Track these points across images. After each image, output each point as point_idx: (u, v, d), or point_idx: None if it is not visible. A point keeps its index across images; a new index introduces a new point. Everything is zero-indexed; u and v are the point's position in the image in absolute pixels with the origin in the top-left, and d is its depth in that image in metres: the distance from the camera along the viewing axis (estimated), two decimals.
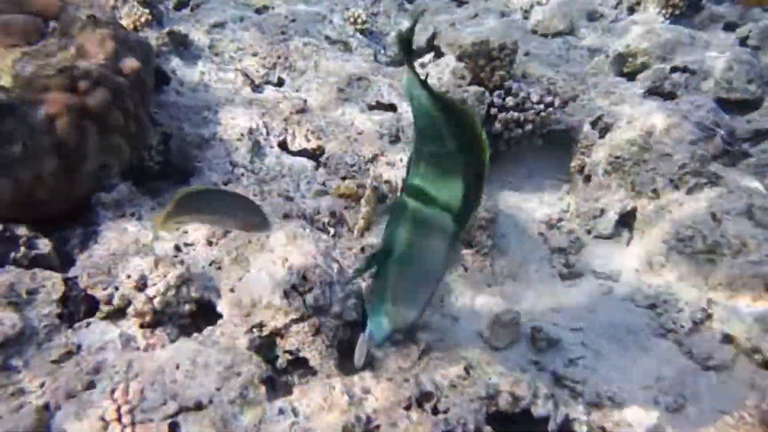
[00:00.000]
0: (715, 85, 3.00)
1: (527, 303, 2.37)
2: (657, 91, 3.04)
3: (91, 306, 1.76)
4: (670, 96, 3.02)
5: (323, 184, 2.46)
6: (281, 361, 1.72)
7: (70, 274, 1.82)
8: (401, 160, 2.57)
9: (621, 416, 1.50)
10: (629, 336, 2.24)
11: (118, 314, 1.74)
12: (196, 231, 2.06)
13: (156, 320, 1.74)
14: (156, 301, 1.74)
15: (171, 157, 2.39)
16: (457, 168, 1.45)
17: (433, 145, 1.46)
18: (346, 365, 1.79)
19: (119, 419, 1.44)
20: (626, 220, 2.64)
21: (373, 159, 2.55)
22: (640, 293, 2.36)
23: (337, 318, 1.79)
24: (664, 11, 3.66)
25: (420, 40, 3.65)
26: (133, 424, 1.43)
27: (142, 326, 1.73)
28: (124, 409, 1.46)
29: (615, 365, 2.13)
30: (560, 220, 2.75)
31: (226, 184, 2.34)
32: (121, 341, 1.67)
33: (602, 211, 2.68)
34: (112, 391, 1.51)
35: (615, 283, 2.47)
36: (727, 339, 2.12)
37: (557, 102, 2.87)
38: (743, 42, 3.46)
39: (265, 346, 1.73)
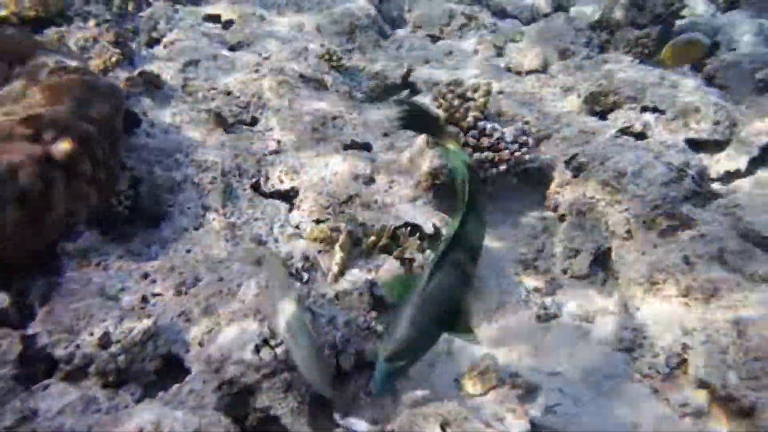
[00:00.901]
0: (684, 125, 3.04)
1: (504, 346, 2.34)
2: (628, 131, 3.08)
3: (51, 365, 1.69)
4: (641, 136, 3.06)
5: (297, 227, 2.42)
6: (251, 419, 1.66)
7: (30, 330, 1.75)
8: (376, 202, 2.54)
9: None
10: (606, 381, 2.22)
11: (78, 374, 1.67)
12: (166, 280, 2.01)
13: (120, 380, 1.68)
14: (120, 359, 1.67)
15: (141, 201, 2.33)
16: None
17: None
18: (318, 420, 1.74)
19: None
20: (601, 261, 2.64)
21: (348, 201, 2.52)
22: (616, 336, 2.35)
23: None
24: (633, 50, 3.73)
25: (394, 75, 3.66)
26: None
27: (104, 386, 1.66)
28: None
29: (593, 412, 2.11)
30: (536, 260, 2.74)
31: (197, 229, 2.29)
32: (81, 404, 1.60)
33: (577, 252, 2.68)
34: None
35: (591, 325, 2.45)
36: (703, 385, 2.11)
37: (531, 141, 2.89)
38: (710, 81, 3.53)
39: (236, 403, 1.67)
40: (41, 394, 1.62)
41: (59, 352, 1.66)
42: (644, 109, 3.10)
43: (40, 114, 1.87)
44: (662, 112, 3.06)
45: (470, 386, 2.16)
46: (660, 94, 3.12)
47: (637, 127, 3.03)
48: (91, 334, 1.68)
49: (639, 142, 2.91)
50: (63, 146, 1.83)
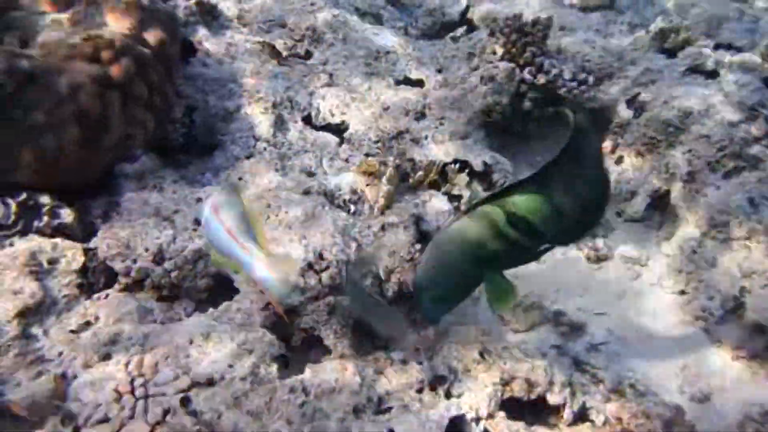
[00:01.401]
0: (763, 62, 2.83)
1: (552, 285, 2.32)
2: (699, 69, 2.90)
3: (110, 277, 1.78)
4: (712, 74, 2.87)
5: (346, 160, 2.42)
6: (296, 338, 1.71)
7: (91, 244, 1.84)
8: (426, 137, 2.51)
9: (639, 408, 1.45)
10: (656, 323, 2.17)
11: (136, 286, 1.76)
12: None
13: (173, 294, 1.76)
14: (174, 275, 1.74)
15: (195, 130, 2.39)
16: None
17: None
18: (360, 345, 1.77)
19: (132, 392, 1.45)
20: (659, 204, 2.54)
21: (398, 136, 2.50)
22: (670, 279, 2.28)
23: None
24: None
25: (452, 12, 3.55)
26: (146, 397, 1.45)
27: (159, 299, 1.74)
28: (138, 382, 1.47)
29: (640, 352, 2.08)
30: None
31: (248, 158, 2.33)
32: (138, 314, 1.69)
33: (633, 194, 2.58)
34: (127, 364, 1.52)
35: (643, 268, 2.39)
36: (760, 329, 2.03)
37: (591, 79, 2.76)
38: None
39: (281, 323, 1.72)
40: (103, 302, 1.71)
41: (118, 265, 1.75)
42: (718, 46, 2.90)
43: (99, 34, 1.91)
44: (738, 49, 2.85)
45: (514, 322, 2.15)
46: (737, 30, 2.91)
47: (709, 65, 2.85)
48: (146, 250, 1.76)
49: (709, 80, 2.74)
50: (121, 67, 1.88)
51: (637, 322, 2.17)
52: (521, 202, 1.59)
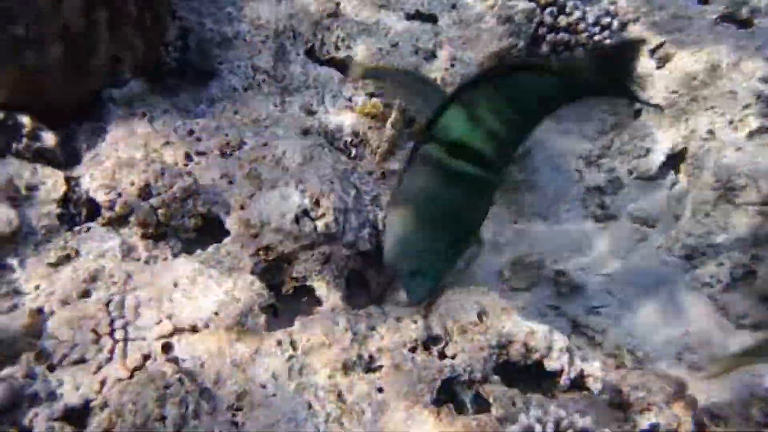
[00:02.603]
0: None
1: (554, 243, 2.23)
2: (732, 17, 2.70)
3: (93, 210, 1.68)
4: (746, 23, 2.68)
5: (349, 99, 2.28)
6: (287, 287, 1.64)
7: (74, 172, 1.74)
8: (435, 80, 2.36)
9: (640, 380, 1.40)
10: (660, 287, 2.10)
11: (120, 222, 1.66)
12: (211, 139, 1.95)
13: (159, 232, 1.67)
14: (160, 212, 1.65)
15: (190, 55, 2.23)
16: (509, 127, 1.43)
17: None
18: (353, 297, 1.71)
19: (112, 333, 1.39)
20: (673, 162, 2.42)
21: None
22: (678, 242, 2.19)
23: (349, 247, 1.69)
24: None
25: None
26: (125, 340, 1.38)
27: (144, 237, 1.65)
28: (118, 323, 1.41)
29: (640, 317, 2.02)
30: (601, 156, 2.54)
31: (246, 90, 2.19)
32: (121, 250, 1.60)
33: (648, 150, 2.46)
34: (107, 303, 1.45)
35: (651, 230, 2.30)
36: (767, 299, 1.97)
37: (616, 24, 2.58)
38: None
39: (271, 270, 1.65)
40: (84, 236, 1.63)
41: (101, 197, 1.65)
42: None
43: None
44: None
45: (513, 280, 2.08)
46: None
47: (743, 14, 2.66)
48: (132, 184, 1.65)
49: (742, 30, 2.56)
50: None
51: (640, 285, 2.10)
52: (450, 126, 1.41)
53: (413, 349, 1.48)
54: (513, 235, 2.22)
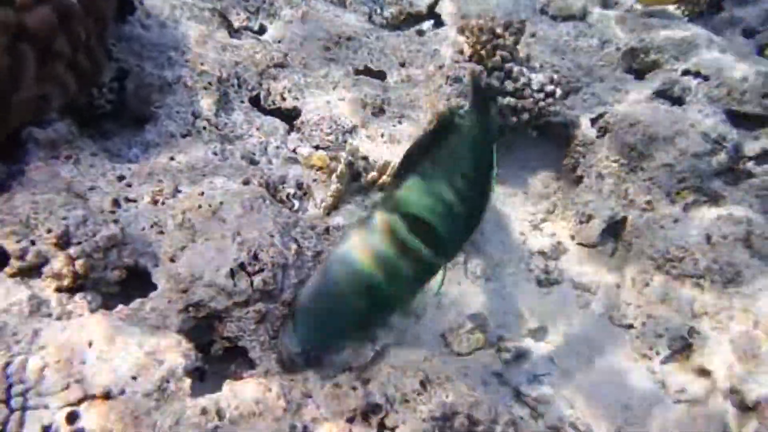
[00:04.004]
0: (728, 95, 2.79)
1: (498, 307, 2.19)
2: (666, 95, 2.83)
3: (1, 259, 1.52)
4: (678, 101, 2.82)
5: (294, 150, 2.22)
6: (216, 347, 1.51)
7: None
8: (382, 135, 2.34)
9: None
10: (602, 357, 2.08)
11: (31, 273, 1.50)
12: (143, 185, 1.83)
13: (77, 285, 1.51)
14: (78, 263, 1.50)
15: (126, 97, 2.12)
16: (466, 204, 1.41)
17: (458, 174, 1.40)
18: None
19: (7, 401, 1.22)
20: (614, 230, 2.45)
21: (353, 130, 2.32)
22: (619, 311, 2.19)
23: (286, 306, 1.58)
24: (683, 8, 3.44)
25: (420, 3, 3.37)
26: (23, 409, 1.21)
27: (58, 290, 1.49)
28: (16, 389, 1.24)
29: (582, 387, 1.98)
30: (544, 221, 2.56)
31: (184, 136, 2.09)
32: (29, 305, 1.44)
33: (590, 217, 2.49)
34: (6, 366, 1.28)
35: (593, 297, 2.29)
36: (704, 373, 1.97)
37: (559, 92, 2.65)
38: (762, 51, 3.26)
39: (201, 328, 1.52)
40: None
41: (11, 245, 1.49)
42: (686, 72, 2.84)
43: None
44: (705, 78, 2.80)
45: (456, 344, 2.01)
46: (706, 58, 2.86)
47: (676, 92, 2.79)
48: (49, 231, 1.51)
49: (675, 108, 2.67)
50: (39, 15, 1.61)
51: (582, 354, 2.07)
52: (414, 198, 1.37)
53: (351, 420, 1.37)
54: (458, 296, 2.16)
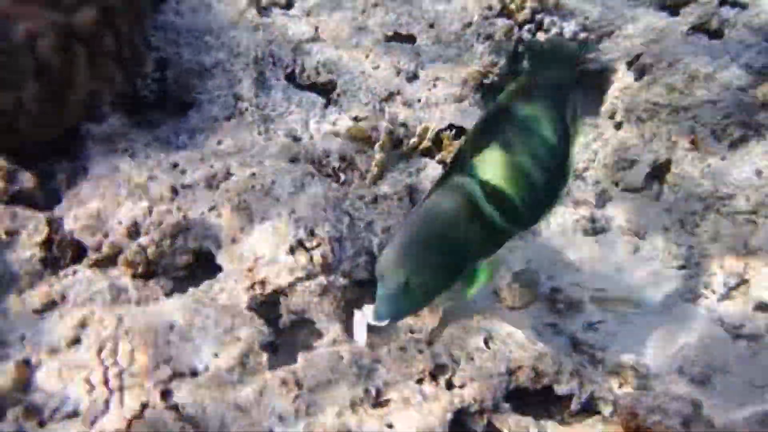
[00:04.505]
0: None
1: (547, 259, 2.22)
2: (703, 28, 2.75)
3: (78, 252, 1.62)
4: (716, 34, 2.73)
5: (334, 123, 2.26)
6: (284, 321, 1.59)
7: (56, 213, 1.67)
8: (419, 100, 2.35)
9: (655, 402, 1.38)
10: (655, 299, 2.10)
11: (107, 262, 1.60)
12: (196, 171, 1.89)
13: (149, 271, 1.60)
14: (149, 251, 1.59)
15: (168, 86, 2.19)
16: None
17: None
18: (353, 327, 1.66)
19: (106, 383, 1.32)
20: (658, 173, 2.44)
21: (389, 98, 2.34)
22: (670, 253, 2.20)
23: (345, 277, 1.65)
24: None
25: None
26: (121, 389, 1.32)
27: (134, 277, 1.59)
28: (113, 371, 1.34)
29: (638, 331, 2.01)
30: (586, 169, 2.55)
31: (228, 119, 2.14)
32: (110, 293, 1.54)
33: (633, 162, 2.47)
34: (100, 351, 1.39)
35: (642, 241, 2.30)
36: (762, 307, 1.98)
37: (592, 38, 2.61)
38: None
39: (268, 304, 1.60)
40: (69, 280, 1.56)
41: (87, 239, 1.59)
42: (723, 3, 2.75)
43: None
44: (743, 6, 2.70)
45: (509, 299, 2.06)
46: None
47: (714, 24, 2.70)
48: (120, 223, 1.60)
49: (714, 41, 2.60)
50: (86, 15, 1.66)
51: (635, 298, 2.09)
52: (495, 168, 1.38)
53: (420, 381, 1.44)
54: (505, 251, 2.20)
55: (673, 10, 2.91)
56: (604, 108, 2.67)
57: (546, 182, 1.44)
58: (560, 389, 1.45)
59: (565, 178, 1.50)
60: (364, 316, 1.54)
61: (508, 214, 1.40)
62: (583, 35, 2.60)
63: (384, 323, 1.35)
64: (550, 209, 1.52)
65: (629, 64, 2.66)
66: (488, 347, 1.49)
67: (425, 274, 1.34)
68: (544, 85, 1.47)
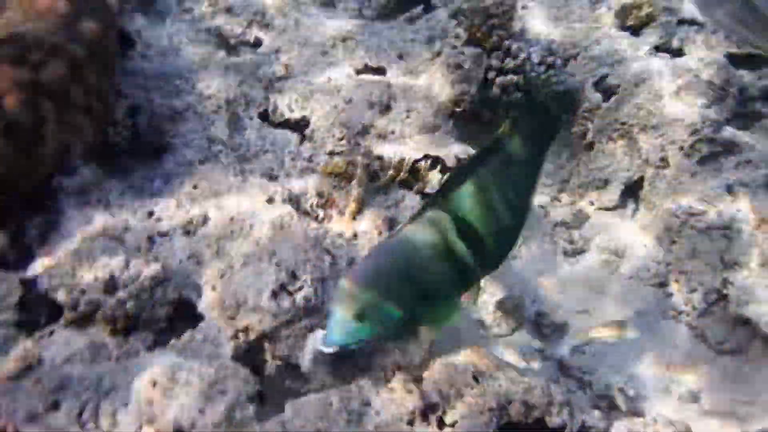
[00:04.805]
0: (725, 38, 2.78)
1: (529, 283, 2.23)
2: (664, 47, 2.83)
3: (54, 311, 1.58)
4: (677, 53, 2.81)
5: (309, 159, 2.25)
6: (270, 368, 1.56)
7: (29, 272, 1.63)
8: (392, 132, 2.36)
9: (648, 430, 1.38)
10: (639, 318, 2.12)
11: (84, 320, 1.56)
12: (173, 219, 1.87)
13: (129, 326, 1.57)
14: (128, 305, 1.55)
15: (140, 132, 2.16)
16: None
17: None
18: (340, 368, 1.64)
19: None
20: (632, 191, 2.48)
21: (364, 131, 2.34)
22: (649, 271, 2.23)
23: None
24: None
25: None
26: None
27: (113, 333, 1.55)
28: None
29: (624, 352, 2.02)
30: (561, 191, 2.59)
31: (202, 162, 2.12)
32: (90, 352, 1.50)
33: (606, 182, 2.52)
34: (80, 413, 1.35)
35: (621, 259, 2.33)
36: (743, 321, 2.00)
37: (559, 62, 2.67)
38: None
39: (253, 351, 1.57)
40: (46, 341, 1.52)
41: (62, 297, 1.55)
42: (681, 22, 2.83)
43: (22, 33, 1.67)
44: (701, 25, 2.79)
45: (495, 326, 2.06)
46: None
47: (674, 44, 2.78)
48: (96, 279, 1.56)
49: (676, 59, 2.67)
50: (54, 71, 1.65)
51: (618, 318, 2.11)
52: (468, 204, 1.40)
53: (411, 422, 1.42)
54: (489, 278, 2.20)
55: (634, 31, 2.99)
56: (575, 129, 2.72)
57: (511, 225, 1.48)
58: (552, 421, 1.45)
59: (522, 223, 1.53)
60: (315, 341, 1.52)
61: (477, 252, 1.43)
62: (550, 59, 2.64)
63: (330, 350, 1.35)
64: (509, 252, 1.56)
65: (596, 85, 2.72)
66: (477, 381, 1.48)
67: (382, 307, 1.34)
68: (528, 131, 1.50)
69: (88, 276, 1.57)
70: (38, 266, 1.63)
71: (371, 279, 1.36)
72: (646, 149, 2.44)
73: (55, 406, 1.38)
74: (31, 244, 1.71)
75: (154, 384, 1.39)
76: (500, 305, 2.05)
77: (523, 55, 2.58)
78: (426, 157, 2.24)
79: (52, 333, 1.53)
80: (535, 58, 2.61)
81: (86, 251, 1.64)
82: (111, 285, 1.57)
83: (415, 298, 1.39)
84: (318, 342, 1.49)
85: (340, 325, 1.32)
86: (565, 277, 2.28)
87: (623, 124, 2.52)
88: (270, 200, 1.95)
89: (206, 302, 1.64)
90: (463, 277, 1.46)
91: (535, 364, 1.94)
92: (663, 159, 2.39)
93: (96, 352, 1.51)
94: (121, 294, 1.56)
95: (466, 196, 1.40)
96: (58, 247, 1.68)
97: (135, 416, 1.34)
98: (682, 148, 2.36)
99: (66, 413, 1.36)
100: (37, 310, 1.56)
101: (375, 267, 1.41)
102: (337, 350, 1.35)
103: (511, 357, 1.87)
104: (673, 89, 2.47)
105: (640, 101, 2.50)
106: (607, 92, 2.66)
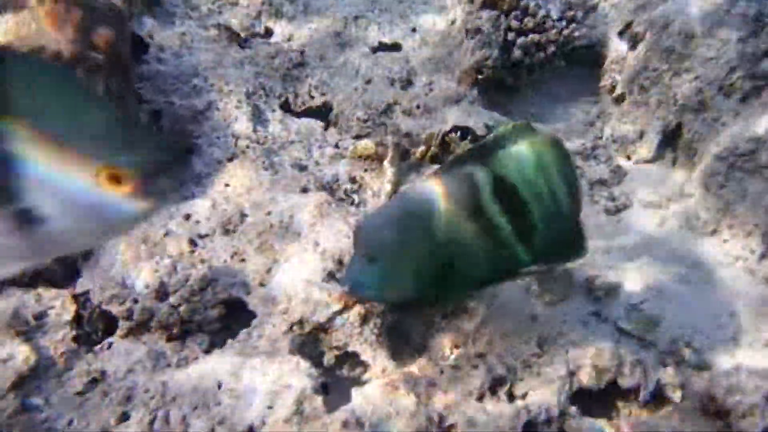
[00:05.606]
0: None
1: None
2: None
3: (109, 323, 1.57)
4: None
5: (336, 146, 2.21)
6: (328, 358, 1.54)
7: (78, 288, 1.63)
8: (418, 107, 2.31)
9: (729, 381, 1.33)
10: (693, 268, 2.05)
11: (140, 329, 1.55)
12: (210, 219, 1.85)
13: (184, 330, 1.56)
14: (182, 309, 1.54)
15: (164, 135, 2.14)
16: None
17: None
18: (398, 353, 1.61)
19: None
20: (671, 140, 2.40)
21: (388, 110, 2.29)
22: (699, 219, 2.16)
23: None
24: None
25: None
26: None
27: (169, 339, 1.55)
28: None
29: (682, 304, 1.96)
30: (595, 148, 2.51)
31: (230, 159, 2.10)
32: (150, 360, 1.49)
33: (642, 133, 2.44)
34: (151, 422, 1.34)
35: (667, 211, 2.26)
36: None
37: (580, 15, 2.58)
38: None
39: (309, 344, 1.55)
40: (106, 354, 1.52)
41: (116, 308, 1.54)
42: None
43: (42, 47, 1.65)
44: None
45: (545, 294, 2.01)
46: None
47: None
48: (147, 287, 1.55)
49: None
50: (104, 34, 1.65)
51: (671, 271, 2.05)
52: (512, 163, 1.23)
53: (480, 398, 1.39)
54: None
55: None
56: (602, 83, 2.63)
57: (565, 208, 1.33)
58: (624, 383, 1.41)
59: (578, 210, 1.42)
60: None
61: (517, 223, 1.27)
62: (570, 14, 2.56)
63: (347, 288, 1.34)
64: (564, 242, 1.41)
65: (620, 34, 2.63)
66: (543, 350, 1.44)
67: (393, 250, 1.27)
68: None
69: (138, 285, 1.56)
70: (86, 280, 1.63)
71: (385, 223, 1.30)
72: (682, 93, 2.35)
73: (125, 417, 1.37)
74: (76, 259, 1.71)
75: (219, 385, 1.38)
76: (548, 271, 2.00)
77: (542, 12, 2.50)
78: (455, 128, 2.19)
79: (110, 345, 1.53)
80: (555, 14, 2.53)
81: (131, 260, 1.63)
82: (162, 291, 1.56)
83: (432, 250, 1.28)
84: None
85: (353, 264, 1.31)
86: (610, 236, 2.21)
87: (654, 70, 2.43)
88: (304, 190, 1.92)
89: (256, 299, 1.62)
90: (495, 245, 1.28)
91: (593, 328, 1.89)
92: (701, 102, 2.30)
93: (156, 359, 1.50)
94: (173, 299, 1.55)
95: (518, 157, 1.25)
96: (102, 258, 1.67)
97: (206, 419, 1.33)
98: (721, 88, 2.27)
99: (137, 423, 1.35)
100: (93, 324, 1.56)
101: (389, 212, 1.35)
102: (353, 290, 1.33)
103: (566, 324, 1.81)
104: (705, 27, 2.37)
105: (669, 44, 2.40)
106: (633, 40, 2.57)
